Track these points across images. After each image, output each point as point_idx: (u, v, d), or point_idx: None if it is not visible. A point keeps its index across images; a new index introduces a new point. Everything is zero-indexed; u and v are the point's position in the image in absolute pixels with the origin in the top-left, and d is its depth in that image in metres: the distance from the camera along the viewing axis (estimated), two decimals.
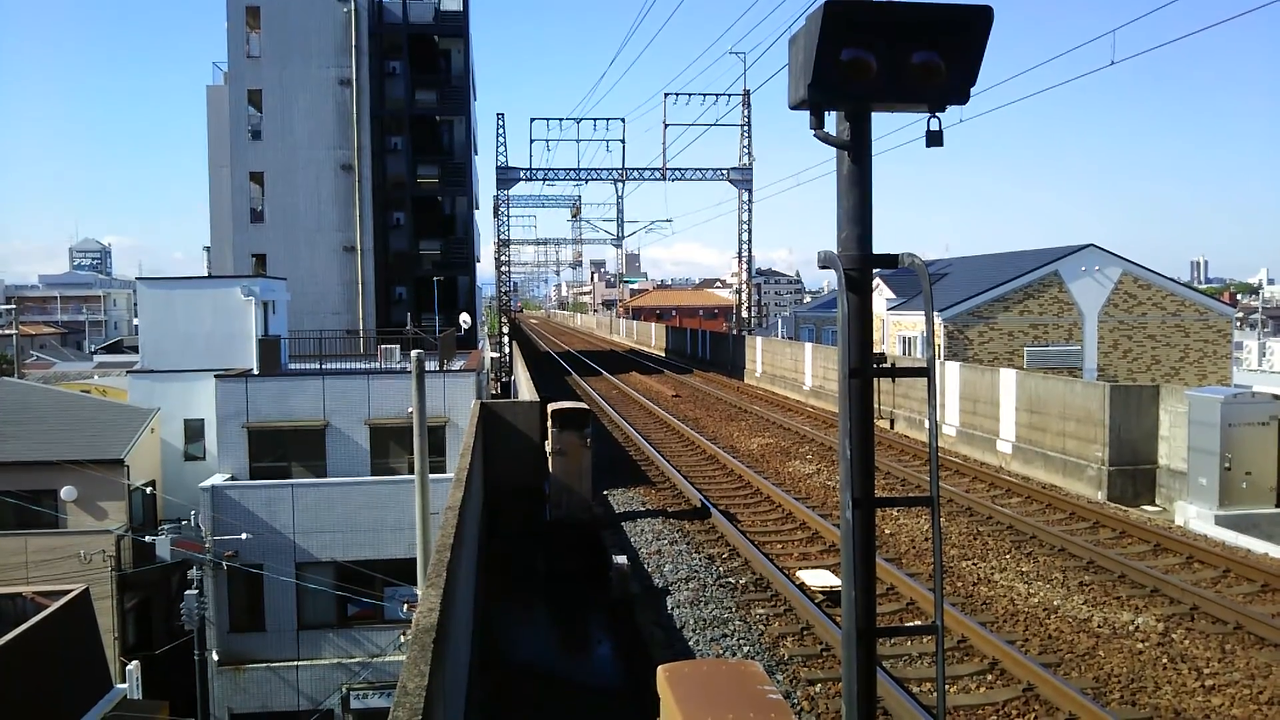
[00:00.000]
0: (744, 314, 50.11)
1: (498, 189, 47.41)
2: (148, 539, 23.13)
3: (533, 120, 44.60)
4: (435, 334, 31.21)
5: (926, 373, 3.67)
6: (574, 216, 69.79)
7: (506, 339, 53.02)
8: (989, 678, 8.85)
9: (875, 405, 3.61)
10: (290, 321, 34.12)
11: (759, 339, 39.47)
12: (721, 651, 9.71)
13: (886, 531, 14.16)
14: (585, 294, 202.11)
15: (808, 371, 31.75)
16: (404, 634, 19.67)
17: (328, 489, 24.17)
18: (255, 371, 27.37)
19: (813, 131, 3.54)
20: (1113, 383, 20.41)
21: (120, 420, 26.67)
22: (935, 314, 34.43)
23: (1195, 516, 14.38)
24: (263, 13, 38.61)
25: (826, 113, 3.55)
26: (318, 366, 27.99)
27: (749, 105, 45.79)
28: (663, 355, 57.72)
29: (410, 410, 17.84)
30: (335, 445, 25.59)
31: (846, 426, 3.57)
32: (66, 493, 23.79)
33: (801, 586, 11.41)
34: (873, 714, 3.64)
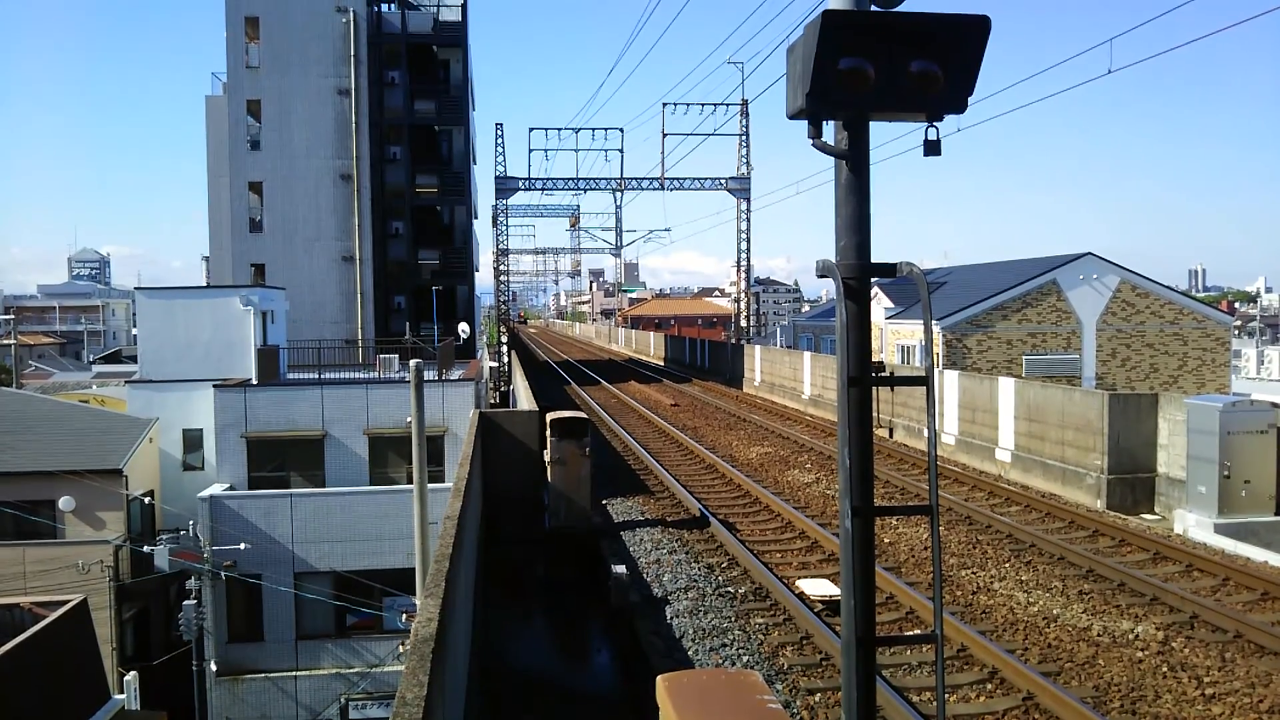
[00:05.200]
0: (743, 323, 50.14)
1: (496, 198, 47.48)
2: (146, 549, 23.07)
3: (531, 130, 44.69)
4: (434, 343, 31.21)
5: (925, 381, 3.67)
6: (572, 226, 69.88)
7: (505, 348, 53.03)
8: (989, 687, 8.83)
9: (874, 414, 3.60)
10: (289, 331, 34.13)
11: (757, 348, 39.47)
12: (721, 661, 9.69)
13: (886, 540, 14.14)
14: (584, 303, 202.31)
15: (806, 380, 31.75)
16: (403, 644, 19.63)
17: (326, 499, 24.14)
18: (254, 381, 27.36)
19: (811, 141, 3.55)
20: (1111, 391, 20.42)
21: (119, 430, 26.65)
22: (934, 323, 34.50)
23: (1194, 524, 14.37)
24: (262, 23, 38.70)
25: (825, 122, 3.56)
26: (316, 376, 27.97)
27: (747, 114, 45.89)
28: (661, 364, 57.70)
29: (409, 420, 17.82)
30: (334, 455, 25.57)
31: (845, 435, 3.57)
32: (64, 503, 23.74)
33: (801, 596, 11.39)
34: None
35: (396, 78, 40.69)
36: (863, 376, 3.57)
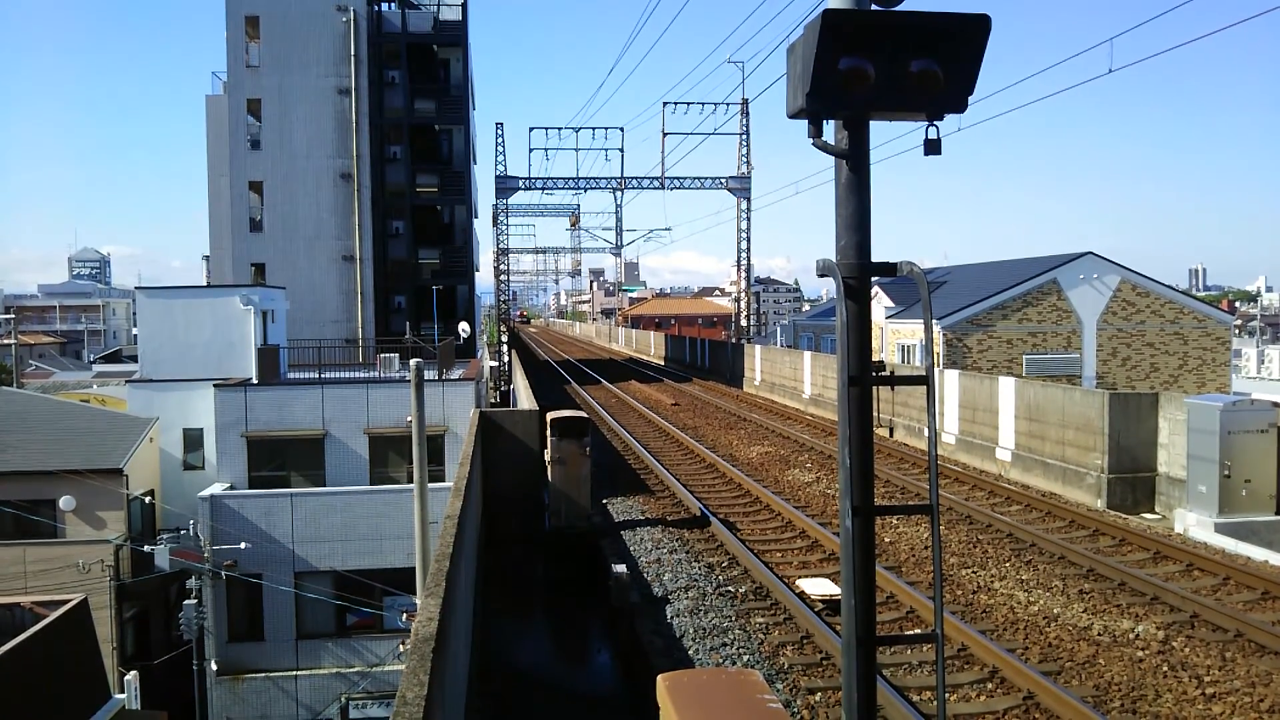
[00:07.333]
0: (743, 322, 50.13)
1: (496, 198, 47.47)
2: (146, 548, 23.09)
3: (531, 129, 44.70)
4: (434, 343, 31.21)
5: (925, 381, 3.67)
6: (573, 225, 69.83)
7: (505, 348, 53.03)
8: (989, 686, 8.83)
9: (874, 413, 3.60)
10: (289, 330, 34.13)
11: (758, 347, 39.47)
12: (721, 660, 9.69)
13: (886, 540, 14.14)
14: (584, 303, 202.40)
15: (807, 380, 31.75)
16: (403, 643, 19.63)
17: (327, 498, 24.14)
18: (254, 381, 27.35)
19: (811, 140, 3.55)
20: (1112, 390, 20.41)
21: (119, 430, 26.65)
22: (934, 322, 34.40)
23: (1195, 524, 14.37)
24: (262, 22, 38.70)
25: (825, 121, 3.56)
26: (317, 375, 27.98)
27: (747, 114, 45.89)
28: (662, 364, 57.71)
29: (409, 419, 17.82)
30: (334, 454, 25.57)
31: (846, 435, 3.57)
32: (65, 502, 23.75)
33: (801, 595, 11.39)
34: None
35: (397, 77, 40.68)
36: (863, 376, 3.57)
